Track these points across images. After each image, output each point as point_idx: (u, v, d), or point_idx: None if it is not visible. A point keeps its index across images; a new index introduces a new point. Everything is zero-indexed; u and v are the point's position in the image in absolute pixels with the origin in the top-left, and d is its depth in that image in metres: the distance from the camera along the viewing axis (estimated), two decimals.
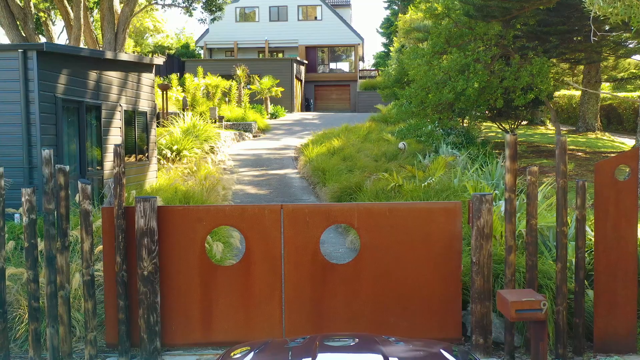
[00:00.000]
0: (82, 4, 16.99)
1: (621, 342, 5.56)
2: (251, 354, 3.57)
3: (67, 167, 5.62)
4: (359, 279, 5.77)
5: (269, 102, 32.10)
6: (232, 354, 3.69)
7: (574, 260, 5.78)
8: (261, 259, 5.78)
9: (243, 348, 3.79)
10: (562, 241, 5.46)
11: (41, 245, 5.91)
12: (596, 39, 8.43)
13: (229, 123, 25.13)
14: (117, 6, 17.97)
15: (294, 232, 5.78)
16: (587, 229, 6.51)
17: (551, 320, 5.59)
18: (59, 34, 28.98)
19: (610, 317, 5.57)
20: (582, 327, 5.53)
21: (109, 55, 11.25)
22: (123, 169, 5.66)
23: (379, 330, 5.51)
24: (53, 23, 22.35)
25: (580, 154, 16.79)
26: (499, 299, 5.04)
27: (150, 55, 35.12)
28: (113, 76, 11.43)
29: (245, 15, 43.69)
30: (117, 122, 11.58)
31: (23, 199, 5.49)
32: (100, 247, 6.45)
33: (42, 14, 19.80)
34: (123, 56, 12.06)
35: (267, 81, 31.56)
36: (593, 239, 6.01)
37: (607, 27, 14.86)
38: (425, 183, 10.04)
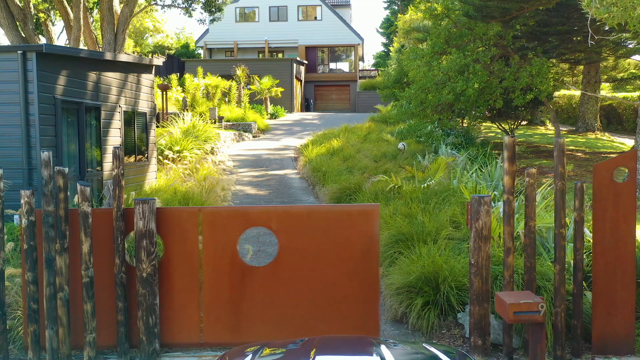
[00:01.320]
0: (81, 5, 16.99)
1: (620, 344, 5.56)
2: (249, 356, 3.59)
3: (66, 169, 5.62)
4: (278, 281, 5.74)
5: (268, 103, 32.11)
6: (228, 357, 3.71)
7: (572, 261, 5.78)
8: (180, 263, 5.74)
9: (249, 349, 3.81)
10: (561, 243, 5.46)
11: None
12: (593, 42, 8.43)
13: (228, 123, 25.14)
14: (117, 7, 17.97)
15: (212, 235, 5.74)
16: (586, 230, 6.52)
17: (549, 322, 5.60)
18: (59, 34, 29.02)
19: (609, 319, 5.57)
20: (580, 328, 5.54)
21: (108, 56, 11.25)
22: (122, 171, 5.67)
23: (298, 333, 5.52)
24: (53, 24, 22.36)
25: (579, 154, 16.80)
26: (497, 301, 5.04)
27: (150, 55, 35.13)
28: (112, 77, 11.43)
29: (245, 15, 43.70)
30: (117, 123, 11.59)
31: (22, 201, 5.50)
32: None
33: (41, 14, 19.81)
34: (122, 57, 12.06)
35: (267, 81, 31.57)
36: (591, 240, 6.02)
37: (606, 28, 14.87)
38: (425, 184, 10.05)
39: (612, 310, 5.58)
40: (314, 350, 3.52)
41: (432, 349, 3.73)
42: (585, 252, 6.16)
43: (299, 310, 5.76)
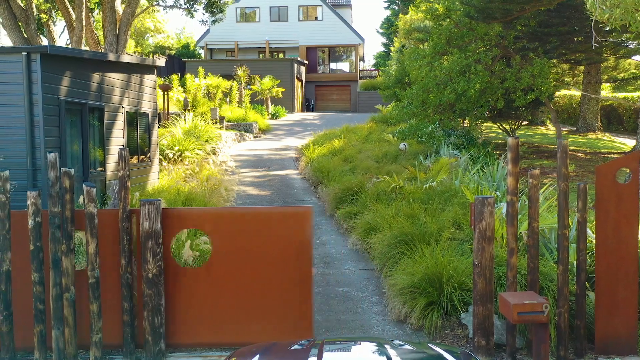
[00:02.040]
0: (84, 5, 17.03)
1: (622, 344, 5.60)
2: (257, 357, 3.63)
3: (72, 171, 5.65)
4: (211, 283, 5.76)
5: (269, 103, 32.15)
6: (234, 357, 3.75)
7: (575, 262, 5.82)
8: (113, 265, 5.74)
9: (248, 350, 3.84)
10: (564, 244, 5.50)
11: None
12: (597, 45, 8.47)
13: (229, 123, 25.18)
14: (119, 7, 18.01)
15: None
16: (588, 231, 6.56)
17: (553, 322, 5.63)
18: (60, 34, 29.06)
19: (611, 319, 5.61)
20: (583, 328, 5.58)
21: (111, 57, 11.29)
22: (128, 172, 5.70)
23: (232, 335, 5.56)
24: (54, 24, 22.38)
25: (580, 154, 16.83)
26: (501, 302, 5.08)
27: (150, 55, 35.15)
28: (115, 78, 11.48)
29: (246, 16, 43.74)
30: (120, 124, 11.63)
31: (29, 202, 5.53)
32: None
33: (43, 15, 19.83)
34: (125, 58, 12.10)
35: (267, 81, 31.62)
36: (594, 241, 6.05)
37: (607, 29, 14.90)
38: (427, 185, 10.08)
39: (615, 311, 5.61)
40: (319, 350, 3.55)
41: (437, 349, 3.76)
42: (588, 253, 6.19)
43: (232, 311, 5.77)
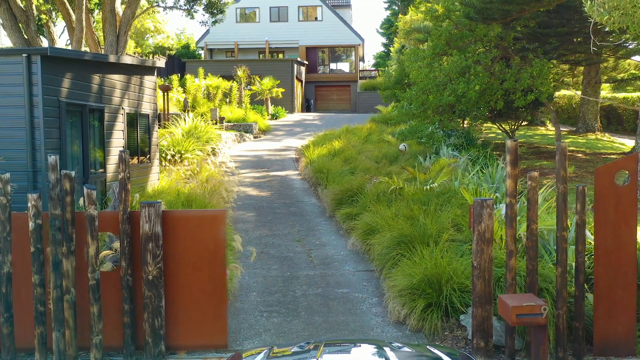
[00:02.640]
0: (84, 6, 17.05)
1: (621, 345, 5.62)
2: (260, 355, 3.66)
3: (73, 173, 5.67)
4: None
5: (269, 103, 32.17)
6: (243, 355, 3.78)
7: (574, 264, 5.84)
8: (22, 267, 5.74)
9: (251, 351, 3.87)
10: (562, 246, 5.52)
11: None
12: (595, 48, 8.49)
13: (229, 124, 25.20)
14: (119, 8, 18.03)
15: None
16: (587, 232, 6.57)
17: (551, 324, 5.65)
18: (60, 35, 29.07)
19: (610, 321, 5.63)
20: (582, 330, 5.60)
21: (112, 58, 11.31)
22: (128, 175, 5.72)
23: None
24: (54, 25, 22.40)
25: (580, 155, 16.85)
26: (500, 304, 5.10)
27: (150, 56, 35.17)
28: (116, 79, 11.50)
29: (246, 16, 43.77)
30: (120, 125, 11.65)
31: (29, 204, 5.55)
32: (106, 252, 6.53)
33: (43, 15, 19.86)
34: (126, 59, 12.12)
35: (267, 82, 31.63)
36: (593, 242, 6.07)
37: (607, 29, 14.91)
38: (427, 187, 10.09)
39: (613, 312, 5.63)
40: (320, 351, 3.58)
41: (436, 351, 3.79)
42: (586, 255, 6.21)
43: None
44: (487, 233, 5.49)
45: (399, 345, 3.93)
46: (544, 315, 4.76)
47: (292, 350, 3.88)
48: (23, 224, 5.73)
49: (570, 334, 5.73)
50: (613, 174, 5.67)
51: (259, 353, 3.77)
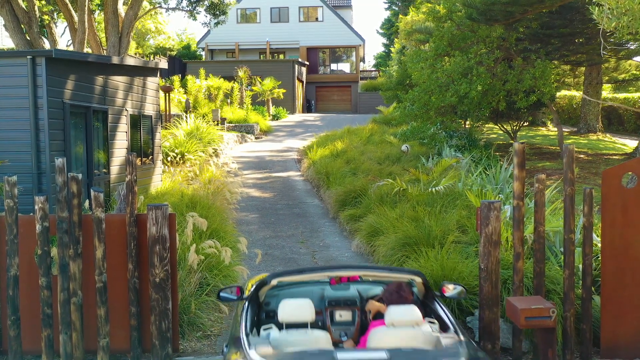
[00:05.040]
0: (86, 7, 17.04)
1: (628, 348, 5.62)
2: None
3: (80, 176, 5.67)
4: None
5: (270, 104, 32.16)
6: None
7: (581, 266, 5.84)
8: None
9: None
10: (570, 248, 5.52)
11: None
12: (606, 52, 8.48)
13: (231, 125, 25.19)
14: (121, 10, 18.02)
15: None
16: (593, 234, 6.57)
17: (559, 326, 5.65)
18: (61, 35, 29.06)
19: (617, 323, 5.63)
20: (589, 332, 5.59)
21: (115, 60, 11.31)
22: (135, 177, 5.72)
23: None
24: (56, 26, 22.39)
25: (582, 156, 16.85)
26: (508, 306, 5.10)
27: (151, 56, 35.17)
28: (119, 81, 11.50)
29: (247, 17, 43.78)
30: (123, 127, 11.65)
31: (36, 207, 5.55)
32: None
33: (46, 17, 19.85)
34: (129, 61, 12.13)
35: (268, 82, 31.63)
36: (599, 245, 6.07)
37: (608, 31, 14.90)
38: (433, 189, 10.06)
39: (621, 315, 5.63)
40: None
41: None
42: (593, 256, 6.20)
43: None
44: (495, 235, 5.49)
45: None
46: (553, 318, 4.76)
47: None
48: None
49: (578, 336, 5.73)
50: (620, 176, 5.67)
51: None
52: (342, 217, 11.10)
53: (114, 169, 11.05)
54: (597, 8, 5.43)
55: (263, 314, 4.83)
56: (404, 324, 4.03)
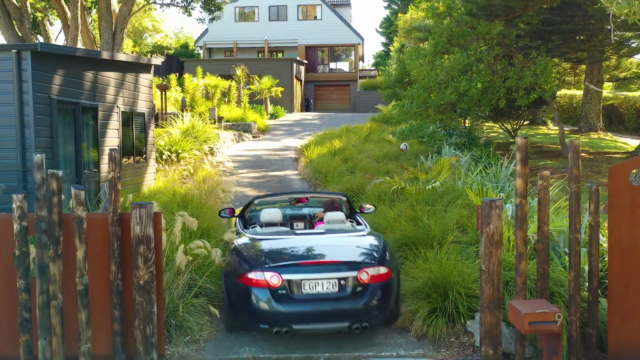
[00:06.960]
0: (79, 4, 16.77)
1: (636, 353, 5.34)
2: None
3: (60, 172, 5.39)
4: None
5: (268, 103, 31.90)
6: None
7: (586, 267, 5.57)
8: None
9: None
10: (575, 249, 5.24)
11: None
12: (617, 38, 8.22)
13: (228, 123, 24.92)
14: (115, 6, 17.74)
15: None
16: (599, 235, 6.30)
17: (564, 331, 5.38)
18: (57, 34, 28.76)
19: (625, 327, 5.35)
20: (595, 337, 5.33)
21: (105, 55, 11.03)
22: (118, 174, 5.45)
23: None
24: (50, 23, 22.11)
25: (584, 154, 16.59)
26: (511, 310, 4.83)
27: (149, 55, 34.91)
28: (110, 77, 11.21)
29: (245, 15, 43.50)
30: (114, 124, 11.37)
31: (14, 205, 5.27)
32: None
33: (39, 13, 19.57)
34: (120, 56, 11.84)
35: (266, 81, 31.36)
36: (605, 245, 5.80)
37: (609, 27, 14.65)
38: (430, 186, 9.82)
39: (628, 318, 5.35)
40: None
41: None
42: (599, 257, 5.93)
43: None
44: (496, 235, 5.21)
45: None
46: (558, 322, 4.49)
47: None
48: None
49: (583, 341, 5.46)
50: (628, 173, 5.39)
51: None
52: None
53: (104, 168, 10.77)
54: None
55: (249, 224, 7.34)
56: (334, 221, 6.75)
